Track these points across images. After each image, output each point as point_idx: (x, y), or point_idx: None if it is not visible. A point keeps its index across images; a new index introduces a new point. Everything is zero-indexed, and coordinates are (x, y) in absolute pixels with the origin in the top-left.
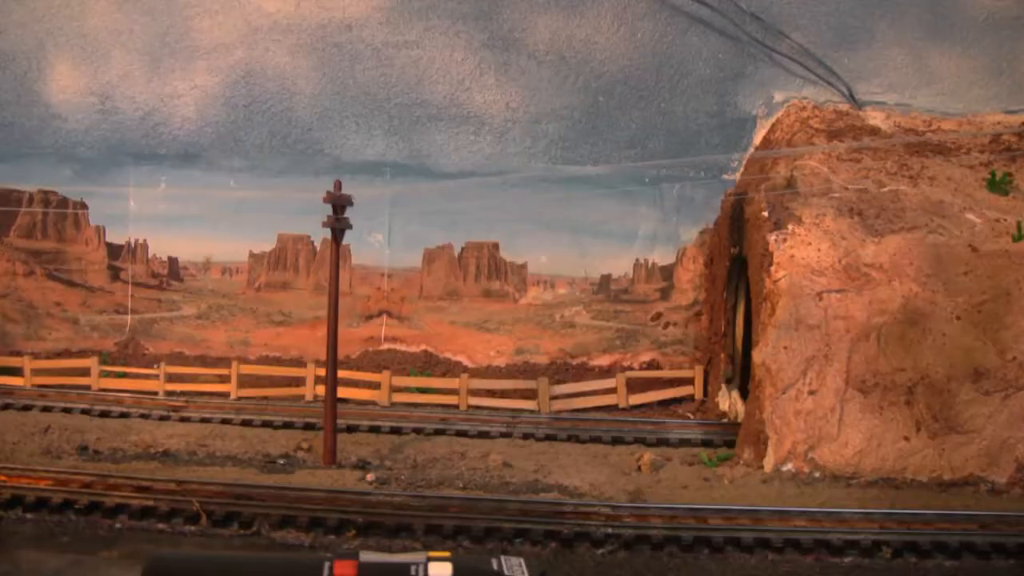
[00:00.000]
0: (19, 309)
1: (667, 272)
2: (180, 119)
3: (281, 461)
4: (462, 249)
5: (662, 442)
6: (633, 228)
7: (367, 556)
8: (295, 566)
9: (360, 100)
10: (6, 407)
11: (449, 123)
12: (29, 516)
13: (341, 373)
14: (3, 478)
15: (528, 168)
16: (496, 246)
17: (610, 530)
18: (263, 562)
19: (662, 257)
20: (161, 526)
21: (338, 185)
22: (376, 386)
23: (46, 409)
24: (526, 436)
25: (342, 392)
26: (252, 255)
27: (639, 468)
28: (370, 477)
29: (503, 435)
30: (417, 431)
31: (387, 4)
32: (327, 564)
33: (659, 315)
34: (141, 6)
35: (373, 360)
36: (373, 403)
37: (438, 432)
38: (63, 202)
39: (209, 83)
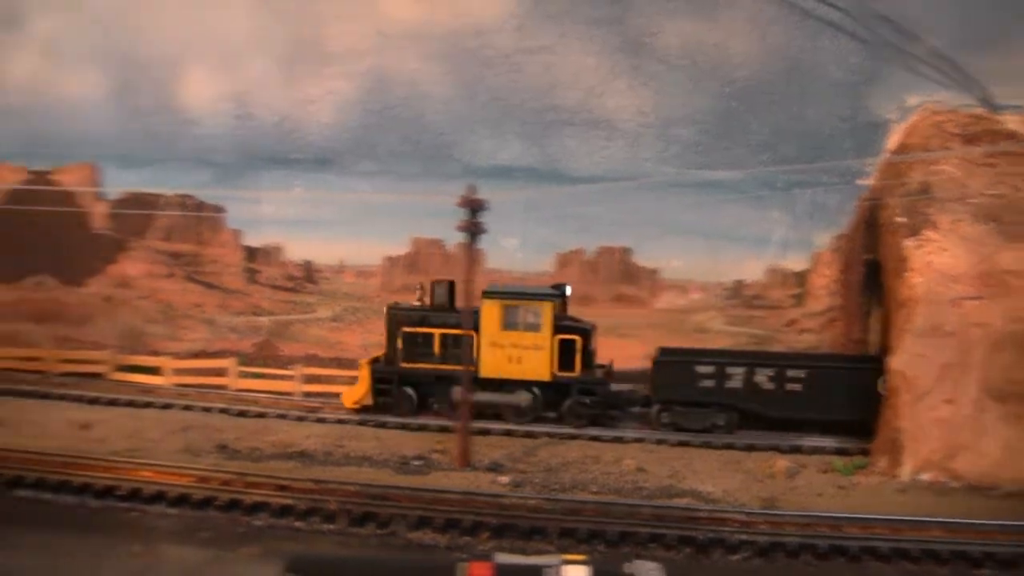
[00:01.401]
0: (159, 310)
1: (801, 278)
2: (314, 124)
3: (416, 462)
4: (594, 254)
5: (795, 449)
6: (766, 233)
7: (502, 558)
8: (431, 567)
9: (492, 105)
10: (148, 405)
11: (581, 128)
12: (171, 512)
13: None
14: (149, 474)
15: (660, 173)
16: (628, 251)
17: (744, 536)
18: (400, 563)
19: (796, 263)
20: (299, 524)
21: (473, 189)
22: None
23: (187, 408)
24: (659, 441)
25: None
26: (386, 258)
27: (773, 475)
28: (504, 480)
29: (636, 440)
30: (550, 435)
31: (519, 10)
32: (463, 565)
33: (793, 321)
34: (276, 14)
35: None
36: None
37: (571, 436)
38: (200, 206)
39: (342, 89)
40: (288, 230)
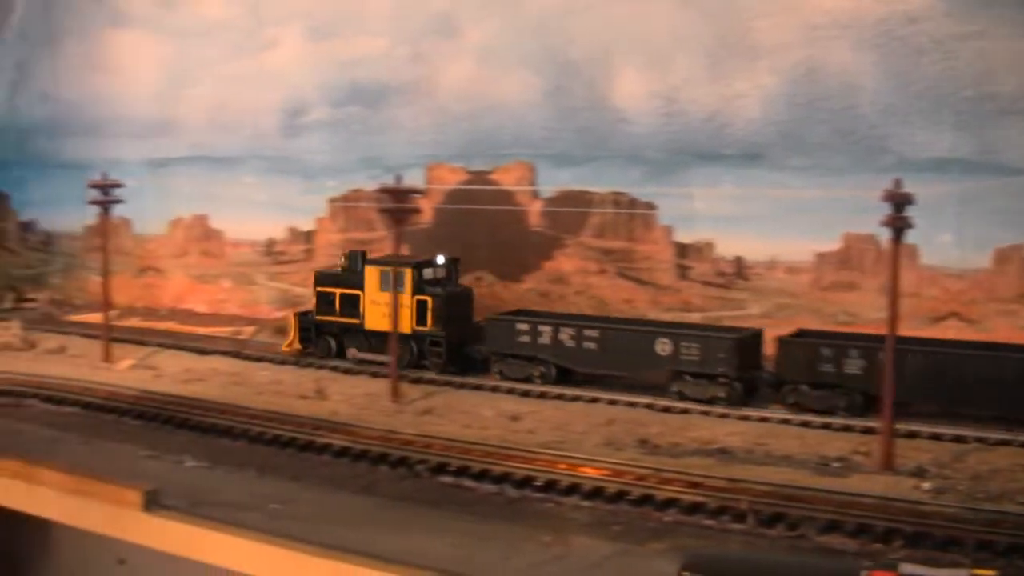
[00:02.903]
0: (592, 305)
1: None
2: (743, 120)
3: (836, 464)
4: None
5: None
6: None
7: (907, 568)
8: (832, 573)
9: (924, 95)
10: (575, 399)
11: (1020, 117)
12: (585, 504)
13: None
14: (565, 467)
15: None
16: None
17: None
18: (798, 566)
19: None
20: (709, 522)
21: (898, 183)
22: None
23: (612, 402)
24: None
25: None
26: (817, 254)
27: None
28: (925, 486)
29: None
30: (980, 440)
31: None
32: (865, 573)
33: None
34: (702, 10)
35: None
36: None
37: (1002, 443)
38: (632, 203)
39: (770, 83)
40: (718, 226)
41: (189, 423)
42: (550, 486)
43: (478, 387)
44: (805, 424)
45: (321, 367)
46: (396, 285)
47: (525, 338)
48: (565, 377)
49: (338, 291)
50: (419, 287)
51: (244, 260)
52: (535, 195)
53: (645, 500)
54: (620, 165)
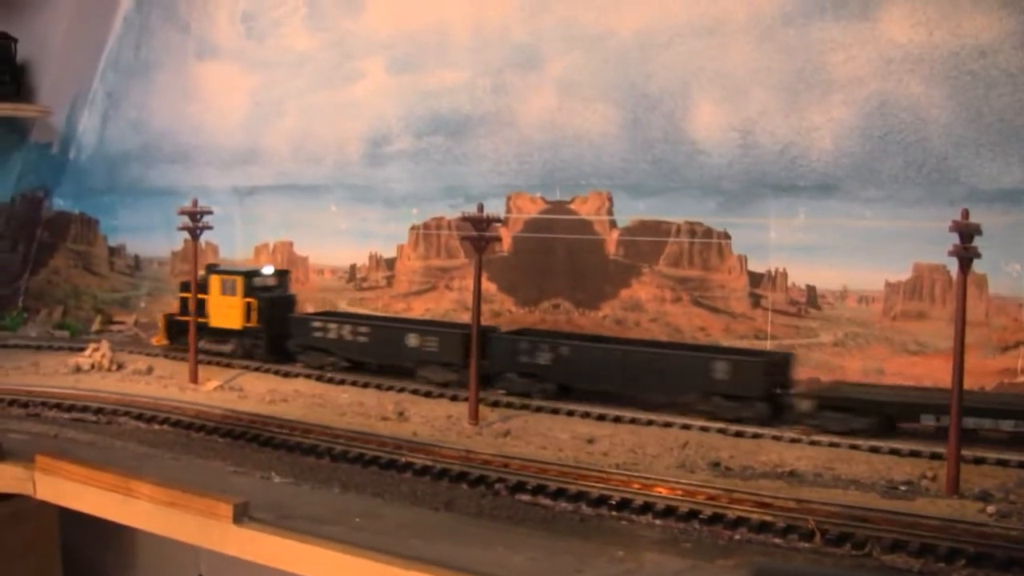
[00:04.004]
0: (667, 333)
1: None
2: (817, 151)
3: (903, 488)
4: None
5: None
6: None
7: None
8: None
9: (995, 127)
10: (650, 423)
11: None
12: (657, 522)
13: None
14: (639, 486)
15: None
16: None
17: None
18: None
19: None
20: (777, 541)
21: (965, 213)
22: None
23: (685, 427)
24: None
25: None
26: (888, 284)
27: None
28: (990, 509)
29: None
30: None
31: (1021, 28)
32: None
33: None
34: (777, 44)
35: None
36: None
37: None
38: (708, 232)
39: (844, 115)
40: (791, 256)
41: (275, 441)
42: (624, 505)
43: (555, 411)
44: (874, 450)
45: (402, 390)
46: (231, 290)
47: (319, 334)
48: (356, 367)
49: (189, 296)
50: (249, 291)
51: (327, 286)
52: (612, 224)
53: (716, 519)
54: (695, 195)
